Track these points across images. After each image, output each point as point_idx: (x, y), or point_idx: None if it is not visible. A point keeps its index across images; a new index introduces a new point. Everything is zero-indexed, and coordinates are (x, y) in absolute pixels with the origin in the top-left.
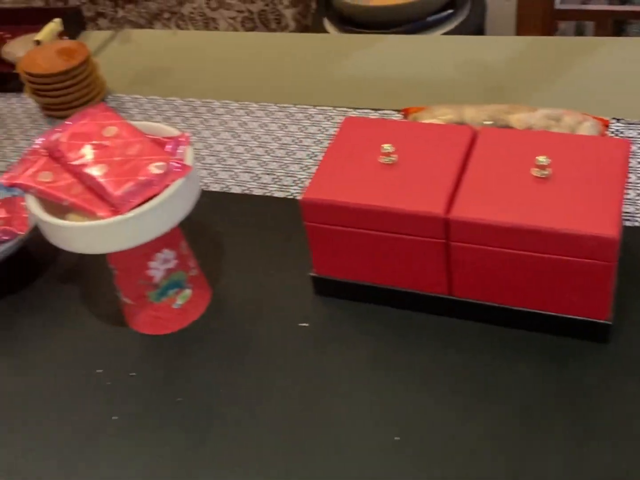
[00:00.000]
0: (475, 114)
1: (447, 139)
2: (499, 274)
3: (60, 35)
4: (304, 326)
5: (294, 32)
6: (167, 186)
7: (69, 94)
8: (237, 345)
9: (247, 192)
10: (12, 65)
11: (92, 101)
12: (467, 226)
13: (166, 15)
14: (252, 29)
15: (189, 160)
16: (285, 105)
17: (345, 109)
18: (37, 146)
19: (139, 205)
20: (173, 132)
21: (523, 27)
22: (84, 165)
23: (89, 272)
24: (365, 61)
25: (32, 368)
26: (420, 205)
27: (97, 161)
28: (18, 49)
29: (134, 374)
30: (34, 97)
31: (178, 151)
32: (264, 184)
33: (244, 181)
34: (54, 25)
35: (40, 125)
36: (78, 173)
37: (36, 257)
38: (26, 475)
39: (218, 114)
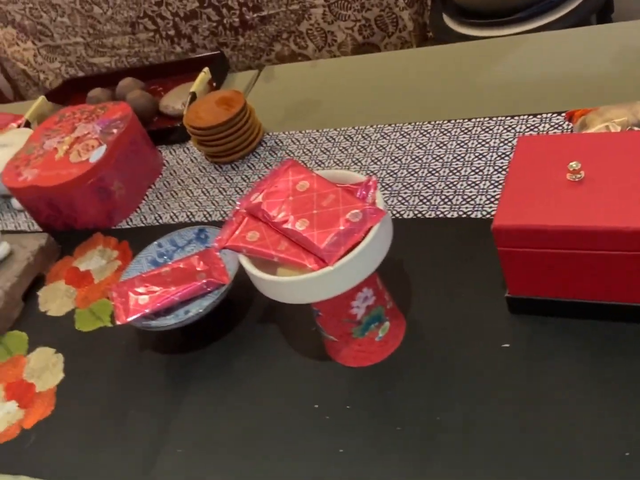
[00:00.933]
0: None
1: (633, 148)
2: None
3: (210, 82)
4: (506, 347)
5: (412, 32)
6: (366, 232)
7: (232, 141)
8: (440, 370)
9: (419, 215)
10: (170, 118)
11: (253, 143)
12: None
13: (285, 35)
14: (371, 36)
15: (380, 204)
16: (439, 121)
17: (501, 118)
18: (238, 208)
19: (344, 254)
20: (360, 177)
21: None
22: (285, 221)
23: (284, 311)
24: (508, 64)
25: (252, 407)
26: (618, 220)
27: (297, 217)
28: (174, 101)
29: (349, 407)
30: (200, 148)
31: (369, 196)
32: (434, 205)
33: (413, 205)
34: (204, 75)
35: (209, 173)
36: (282, 230)
37: (234, 302)
38: None
39: (374, 140)
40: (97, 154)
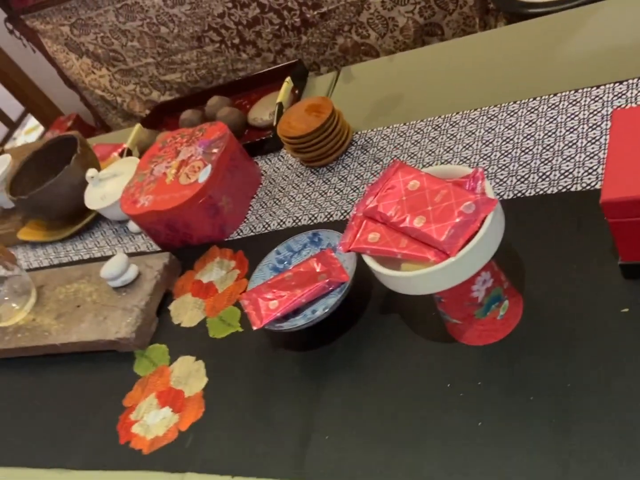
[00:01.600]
0: None
1: None
2: None
3: (292, 90)
4: (625, 311)
5: (472, 6)
6: (481, 222)
7: (326, 145)
8: (565, 340)
9: (519, 195)
10: (259, 129)
11: (345, 144)
12: None
13: (346, 28)
14: (432, 16)
15: (490, 193)
16: (524, 100)
17: (586, 89)
18: (355, 213)
19: (463, 245)
20: (466, 170)
21: None
22: (402, 220)
23: (402, 301)
24: (582, 35)
25: (389, 392)
26: None
27: (414, 215)
28: (262, 113)
29: (480, 383)
30: (294, 155)
31: (478, 187)
32: (532, 183)
33: (511, 185)
34: (287, 84)
35: (307, 177)
36: (400, 229)
37: (354, 297)
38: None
39: (462, 126)
40: (204, 174)
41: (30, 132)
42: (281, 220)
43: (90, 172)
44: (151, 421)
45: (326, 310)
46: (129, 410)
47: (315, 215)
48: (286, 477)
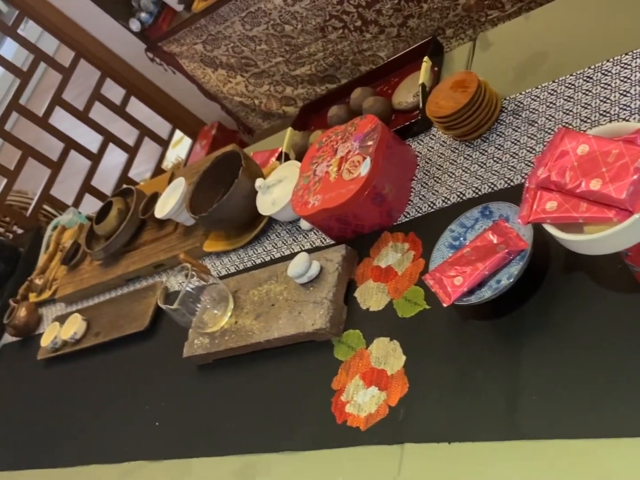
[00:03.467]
0: None
1: None
2: None
3: (432, 69)
4: None
5: None
6: None
7: (477, 118)
8: None
9: None
10: (405, 112)
11: (495, 113)
12: None
13: None
14: None
15: None
16: None
17: None
18: (528, 185)
19: None
20: (634, 125)
21: None
22: (578, 185)
23: (583, 260)
24: None
25: (590, 344)
26: None
27: (589, 178)
28: (405, 96)
29: None
30: (446, 132)
31: None
32: None
33: None
34: (426, 64)
35: (462, 151)
36: (577, 194)
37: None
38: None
39: (615, 73)
40: (364, 167)
41: (176, 145)
42: (446, 197)
43: (259, 182)
44: (361, 400)
45: (511, 280)
46: (339, 393)
47: (479, 187)
48: (501, 439)
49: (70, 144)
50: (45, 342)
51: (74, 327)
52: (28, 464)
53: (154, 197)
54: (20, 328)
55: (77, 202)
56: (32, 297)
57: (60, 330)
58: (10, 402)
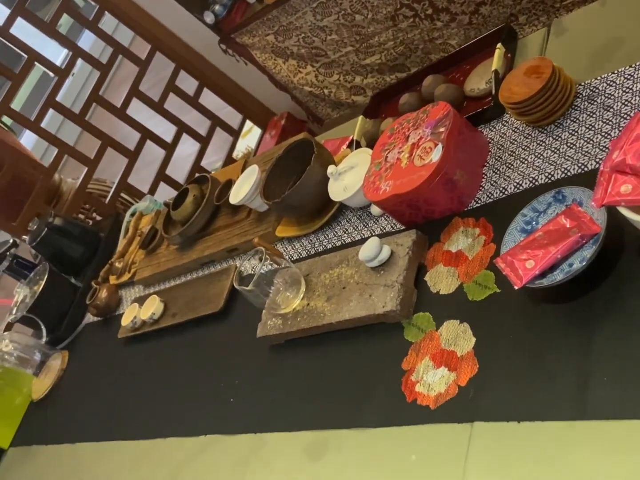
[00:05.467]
0: None
1: None
2: None
3: (505, 55)
4: None
5: None
6: None
7: (551, 103)
8: None
9: None
10: (477, 99)
11: (570, 98)
12: None
13: None
14: None
15: None
16: None
17: None
18: (603, 169)
19: None
20: None
21: None
22: None
23: None
24: None
25: None
26: None
27: None
28: (477, 82)
29: None
30: (520, 118)
31: None
32: None
33: None
34: (499, 50)
35: (535, 137)
36: None
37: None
38: None
39: None
40: (436, 154)
41: (246, 135)
42: (517, 183)
43: (330, 169)
44: (431, 380)
45: (583, 263)
46: (409, 373)
47: (552, 173)
48: (571, 418)
49: (146, 134)
50: (125, 321)
51: (152, 308)
52: (110, 436)
53: (228, 184)
54: (101, 308)
55: (152, 190)
56: (112, 280)
57: (139, 311)
58: (93, 378)
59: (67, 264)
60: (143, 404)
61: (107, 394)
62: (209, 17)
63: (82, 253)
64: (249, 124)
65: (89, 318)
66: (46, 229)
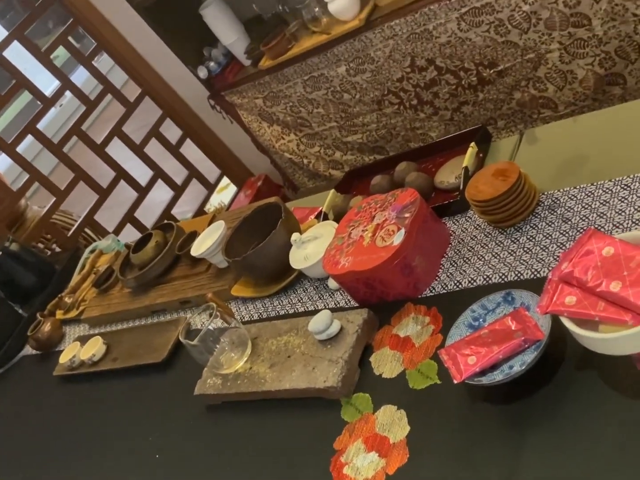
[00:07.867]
0: None
1: None
2: None
3: (477, 154)
4: None
5: None
6: None
7: (513, 207)
8: None
9: None
10: (446, 192)
11: (532, 205)
12: None
13: (523, 83)
14: (612, 67)
15: None
16: None
17: None
18: (551, 278)
19: None
20: None
21: None
22: (598, 285)
23: (597, 360)
24: None
25: (594, 445)
26: None
27: (609, 280)
28: (447, 176)
29: None
30: (482, 217)
31: None
32: None
33: None
34: (472, 149)
35: (495, 237)
36: (597, 293)
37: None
38: None
39: None
40: (398, 237)
41: (222, 190)
42: (472, 279)
43: (294, 236)
44: (360, 464)
45: (523, 367)
46: (339, 453)
47: (506, 274)
48: None
49: (121, 174)
50: (63, 359)
51: (94, 349)
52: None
53: (192, 235)
54: (42, 342)
55: (117, 230)
56: (59, 314)
57: (80, 350)
58: (21, 412)
59: (16, 292)
60: (68, 445)
61: (32, 431)
62: (202, 72)
63: (34, 283)
64: (226, 180)
65: (28, 350)
66: (1, 252)
